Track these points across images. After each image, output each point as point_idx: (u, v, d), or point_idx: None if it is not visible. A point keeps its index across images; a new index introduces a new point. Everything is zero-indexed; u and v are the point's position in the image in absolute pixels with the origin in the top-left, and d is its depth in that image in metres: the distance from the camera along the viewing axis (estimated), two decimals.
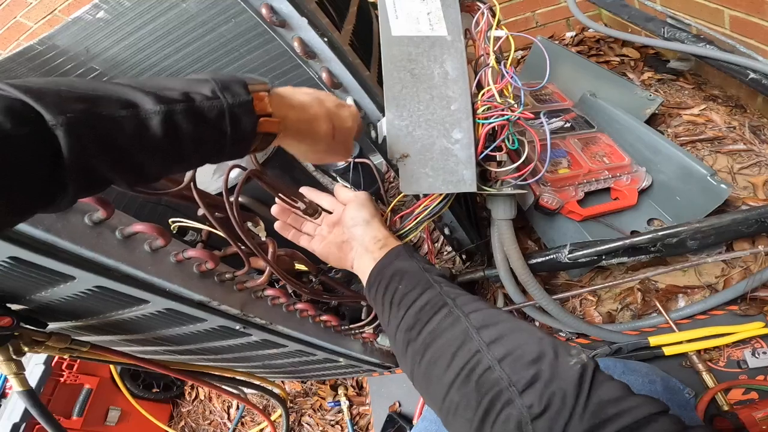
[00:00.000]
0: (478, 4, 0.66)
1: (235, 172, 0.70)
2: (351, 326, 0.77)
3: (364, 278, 0.50)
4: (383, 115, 0.58)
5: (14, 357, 0.58)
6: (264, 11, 0.46)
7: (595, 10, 1.24)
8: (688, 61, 0.93)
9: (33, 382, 1.24)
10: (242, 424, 1.44)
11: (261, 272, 0.59)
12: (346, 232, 0.54)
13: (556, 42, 1.36)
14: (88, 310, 0.57)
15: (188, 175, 0.45)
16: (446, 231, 0.92)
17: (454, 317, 0.38)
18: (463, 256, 1.03)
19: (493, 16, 0.64)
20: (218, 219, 0.58)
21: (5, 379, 1.31)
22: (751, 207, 0.79)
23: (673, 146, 0.87)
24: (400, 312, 0.42)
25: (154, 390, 1.58)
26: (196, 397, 1.61)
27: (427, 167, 0.59)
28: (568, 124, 1.03)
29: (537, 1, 1.33)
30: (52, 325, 0.65)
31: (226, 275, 0.56)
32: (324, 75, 0.54)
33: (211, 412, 1.55)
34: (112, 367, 1.41)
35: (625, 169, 0.93)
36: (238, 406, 1.48)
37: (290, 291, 0.65)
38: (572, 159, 0.95)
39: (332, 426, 1.16)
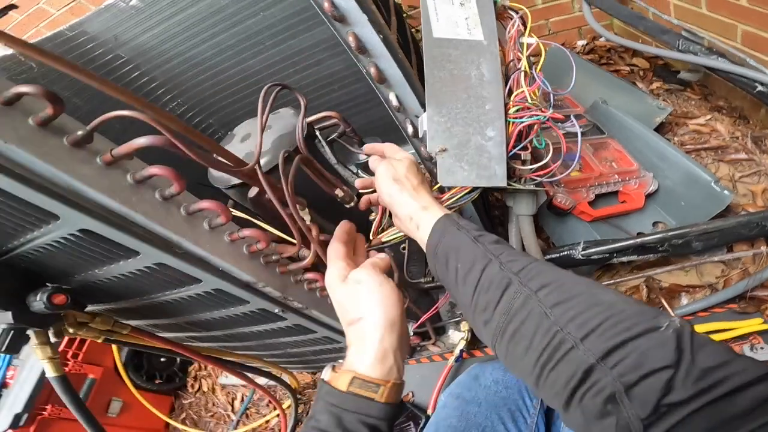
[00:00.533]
0: (511, 12, 0.70)
1: (262, 161, 0.72)
2: None
3: (423, 246, 0.48)
4: (424, 111, 0.62)
5: (52, 340, 0.59)
6: (326, 4, 0.49)
7: (606, 20, 1.30)
8: (698, 72, 0.98)
9: (37, 371, 1.23)
10: (247, 416, 1.45)
11: (294, 259, 0.61)
12: (384, 188, 0.52)
13: (568, 49, 1.42)
14: (134, 290, 0.59)
15: (255, 156, 0.47)
16: None
17: (523, 297, 0.36)
18: None
19: (525, 24, 0.68)
20: (269, 201, 0.61)
21: (6, 368, 1.30)
22: (752, 212, 0.85)
23: (680, 153, 0.92)
24: (467, 292, 0.41)
25: (156, 381, 1.57)
26: (199, 389, 1.61)
27: (462, 161, 0.63)
28: (580, 130, 1.08)
29: (551, 10, 1.38)
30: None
31: (273, 257, 0.58)
32: (372, 70, 0.57)
33: (214, 405, 1.55)
34: (116, 356, 1.40)
35: (634, 174, 0.98)
36: (242, 398, 1.49)
37: None
38: (584, 162, 1.00)
39: None
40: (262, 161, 0.72)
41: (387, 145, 0.62)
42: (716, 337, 0.82)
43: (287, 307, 0.64)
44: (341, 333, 0.79)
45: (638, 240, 0.83)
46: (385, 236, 0.70)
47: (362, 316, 0.43)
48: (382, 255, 0.52)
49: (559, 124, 0.67)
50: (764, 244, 0.84)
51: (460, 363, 0.96)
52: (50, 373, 0.59)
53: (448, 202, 0.68)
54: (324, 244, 0.57)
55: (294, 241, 0.65)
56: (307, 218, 0.62)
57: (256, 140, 0.76)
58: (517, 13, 0.69)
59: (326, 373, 0.43)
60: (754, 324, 0.81)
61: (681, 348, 0.28)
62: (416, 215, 0.48)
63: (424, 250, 0.49)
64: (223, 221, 0.48)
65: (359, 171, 0.96)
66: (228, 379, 1.52)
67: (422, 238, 0.48)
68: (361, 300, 0.44)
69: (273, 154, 0.74)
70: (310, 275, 0.63)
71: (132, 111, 0.33)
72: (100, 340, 0.64)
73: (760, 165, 0.91)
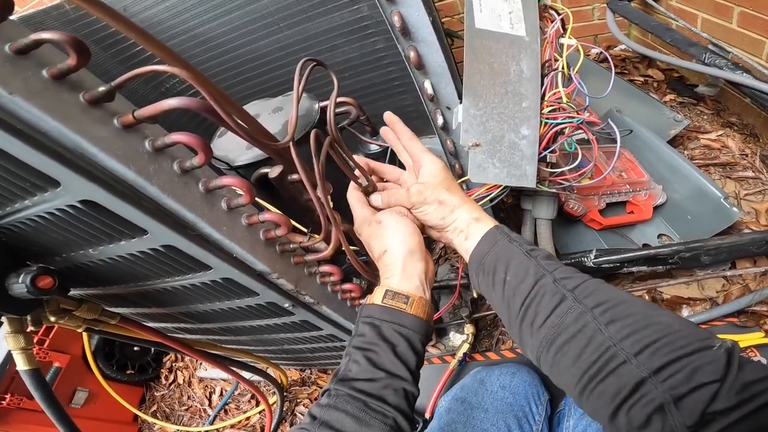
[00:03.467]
0: (552, 12, 0.67)
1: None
2: None
3: (466, 256, 0.48)
4: (460, 102, 0.58)
5: (27, 329, 0.52)
6: None
7: (624, 30, 1.29)
8: (715, 87, 0.99)
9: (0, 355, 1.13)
10: (225, 411, 1.38)
11: (308, 249, 0.57)
12: (432, 215, 0.50)
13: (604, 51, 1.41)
14: (130, 275, 0.53)
15: (289, 134, 0.42)
16: None
17: (577, 313, 0.37)
18: None
19: (565, 25, 0.65)
20: (291, 183, 0.56)
21: None
22: (761, 230, 0.86)
23: (692, 167, 0.92)
24: (515, 303, 0.41)
25: (128, 372, 1.48)
26: (174, 381, 1.53)
27: (495, 158, 0.60)
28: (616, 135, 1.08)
29: (570, 17, 1.38)
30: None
31: (290, 245, 0.53)
32: (412, 54, 0.53)
33: (189, 398, 1.47)
34: (86, 344, 1.30)
35: (644, 185, 0.98)
36: (222, 392, 1.42)
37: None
38: (596, 170, 0.99)
39: None
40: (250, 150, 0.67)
41: (408, 135, 0.55)
42: None
43: (298, 301, 0.60)
44: (347, 331, 0.74)
45: (651, 251, 0.82)
46: None
47: (386, 249, 0.49)
48: (400, 207, 0.54)
49: (594, 128, 0.65)
50: (767, 262, 0.85)
51: (463, 367, 0.93)
52: (21, 366, 0.52)
53: (480, 203, 0.65)
54: (345, 235, 0.53)
55: (305, 230, 0.61)
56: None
57: (286, 117, 0.71)
58: (559, 13, 0.67)
59: (365, 300, 0.49)
60: (755, 338, 0.82)
61: (730, 364, 0.30)
62: (468, 227, 0.48)
63: (466, 259, 0.49)
64: (245, 201, 0.43)
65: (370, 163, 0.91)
66: (208, 372, 1.45)
67: (468, 249, 0.48)
68: (383, 236, 0.50)
69: (284, 136, 0.69)
70: (325, 268, 0.59)
71: (167, 66, 0.28)
72: (80, 330, 0.58)
73: (766, 184, 0.93)
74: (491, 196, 0.62)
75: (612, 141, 1.09)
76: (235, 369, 0.85)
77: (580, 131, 0.63)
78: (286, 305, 0.59)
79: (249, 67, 1.02)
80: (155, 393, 1.53)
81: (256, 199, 0.60)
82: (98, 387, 1.35)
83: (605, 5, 1.30)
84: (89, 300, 0.55)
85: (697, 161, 1.01)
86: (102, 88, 0.29)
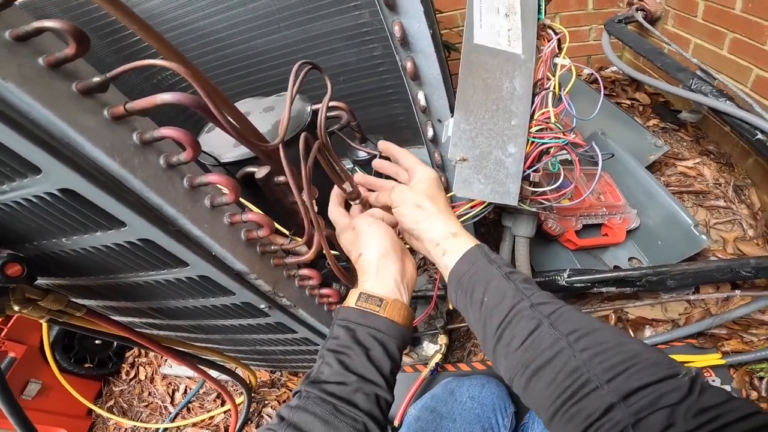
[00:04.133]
0: (549, 31, 0.69)
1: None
2: None
3: (444, 272, 0.48)
4: (452, 116, 0.59)
5: None
6: None
7: (617, 52, 1.33)
8: (698, 113, 1.01)
9: None
10: (188, 409, 1.34)
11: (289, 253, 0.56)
12: (408, 216, 0.50)
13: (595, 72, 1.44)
14: (102, 267, 0.51)
15: (279, 136, 0.42)
16: None
17: (553, 338, 0.38)
18: None
19: (560, 45, 0.67)
20: (277, 185, 0.55)
21: None
22: (728, 258, 0.90)
23: (667, 195, 0.97)
24: (492, 324, 0.42)
25: (86, 365, 1.42)
26: (135, 376, 1.47)
27: (480, 174, 0.61)
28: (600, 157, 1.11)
29: (566, 36, 1.42)
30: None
31: (271, 246, 0.53)
32: (409, 65, 0.54)
33: (150, 394, 1.42)
34: (45, 335, 1.24)
35: (620, 209, 1.02)
36: (186, 390, 1.37)
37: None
38: (576, 191, 1.02)
39: None
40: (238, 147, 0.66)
41: (403, 152, 0.57)
42: None
43: (274, 303, 0.59)
44: (321, 335, 0.74)
45: (621, 273, 0.85)
46: None
47: (360, 252, 0.50)
48: (374, 210, 0.56)
49: (578, 150, 0.67)
50: (729, 288, 0.90)
51: (434, 376, 0.94)
52: None
53: (463, 218, 0.66)
54: (327, 240, 0.53)
55: (287, 232, 0.60)
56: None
57: (277, 117, 0.70)
58: (556, 33, 0.69)
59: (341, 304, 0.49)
60: (712, 359, 0.87)
61: (691, 390, 0.32)
62: (444, 242, 0.48)
63: (445, 276, 0.49)
64: (229, 200, 0.43)
65: (356, 167, 0.92)
66: (172, 369, 1.40)
67: (446, 265, 0.48)
68: (358, 240, 0.51)
69: (273, 138, 0.69)
70: (305, 271, 0.58)
71: (164, 61, 0.27)
72: (42, 321, 0.55)
73: (737, 214, 0.98)
74: (473, 213, 0.63)
75: (594, 163, 1.13)
76: (202, 368, 0.83)
77: (564, 152, 0.65)
78: (262, 306, 0.58)
79: (244, 64, 1.01)
80: (114, 388, 1.47)
81: (240, 198, 0.59)
82: (53, 379, 1.29)
83: (602, 26, 1.34)
84: (55, 290, 0.53)
85: (672, 188, 1.05)
86: (96, 79, 0.29)
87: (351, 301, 0.46)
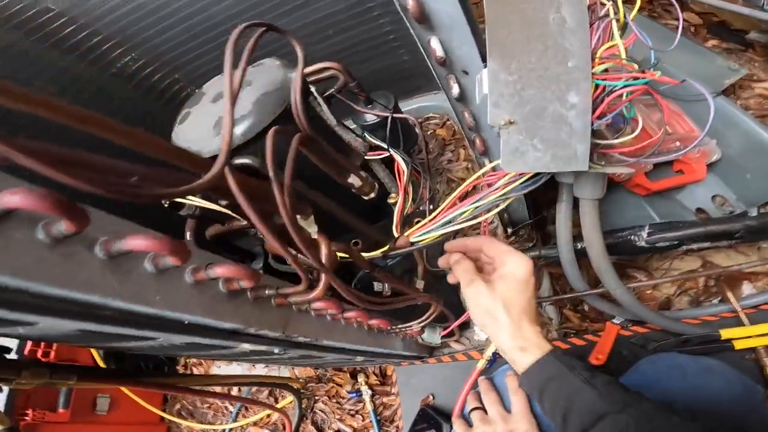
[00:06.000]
0: None
1: (242, 127, 0.52)
2: (402, 326, 0.65)
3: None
4: (484, 65, 0.42)
5: None
6: None
7: None
8: None
9: None
10: (246, 408, 1.35)
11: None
12: (476, 318, 0.52)
13: None
14: (75, 338, 0.42)
15: (221, 157, 0.27)
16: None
17: None
18: (509, 230, 0.92)
19: None
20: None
21: None
22: None
23: (751, 119, 0.76)
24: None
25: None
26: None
27: (535, 138, 0.45)
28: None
29: None
30: None
31: (266, 291, 0.41)
32: (410, 2, 0.37)
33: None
34: (95, 355, 1.26)
35: (696, 141, 0.82)
36: (239, 389, 1.38)
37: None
38: (643, 131, 0.82)
39: (351, 415, 1.07)
40: (242, 127, 0.52)
41: (483, 241, 0.54)
42: None
43: (290, 344, 0.48)
44: (354, 353, 0.64)
45: (717, 227, 0.68)
46: (415, 235, 0.53)
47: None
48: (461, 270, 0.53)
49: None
50: None
51: (492, 365, 0.83)
52: None
53: (500, 191, 0.52)
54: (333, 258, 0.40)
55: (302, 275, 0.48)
56: (313, 229, 0.44)
57: (259, 92, 0.55)
58: None
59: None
60: None
61: None
62: (511, 354, 0.49)
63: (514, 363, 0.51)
64: (176, 263, 0.30)
65: (365, 134, 0.75)
66: (221, 369, 1.40)
67: (517, 370, 0.50)
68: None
69: (256, 118, 0.54)
70: (320, 305, 0.47)
71: None
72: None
73: None
74: (521, 182, 0.49)
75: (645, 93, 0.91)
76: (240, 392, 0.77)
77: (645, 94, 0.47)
78: (276, 350, 0.47)
79: (212, 35, 0.84)
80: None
81: (217, 208, 0.46)
82: (118, 391, 1.33)
83: None
84: (33, 366, 0.45)
85: (751, 112, 0.85)
86: None
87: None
